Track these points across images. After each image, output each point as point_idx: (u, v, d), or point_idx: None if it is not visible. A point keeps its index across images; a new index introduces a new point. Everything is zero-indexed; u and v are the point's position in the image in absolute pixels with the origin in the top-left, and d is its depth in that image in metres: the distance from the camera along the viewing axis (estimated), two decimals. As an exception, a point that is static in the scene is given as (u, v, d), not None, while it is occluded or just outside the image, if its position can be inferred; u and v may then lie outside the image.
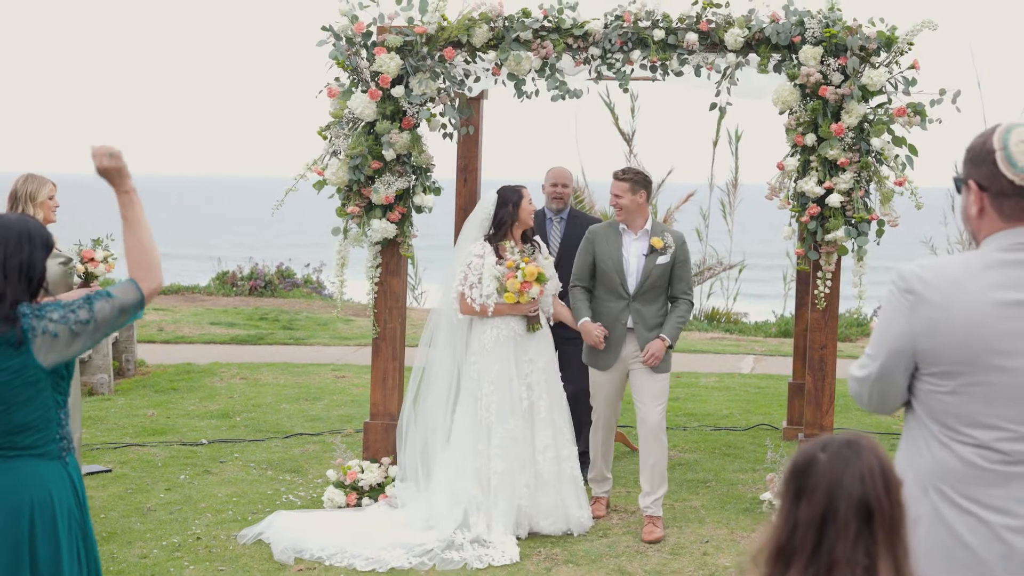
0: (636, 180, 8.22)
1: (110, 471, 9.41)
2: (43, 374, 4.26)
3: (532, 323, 8.26)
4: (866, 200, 8.30)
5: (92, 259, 8.66)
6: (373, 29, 8.66)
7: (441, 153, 8.96)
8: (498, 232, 8.29)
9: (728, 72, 8.51)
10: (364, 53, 8.64)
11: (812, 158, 8.33)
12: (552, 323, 8.62)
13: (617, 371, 8.38)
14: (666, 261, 8.25)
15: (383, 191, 8.59)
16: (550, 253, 8.98)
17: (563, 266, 9.03)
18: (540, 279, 8.18)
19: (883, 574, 2.68)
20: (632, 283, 8.26)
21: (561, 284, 8.64)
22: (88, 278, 8.65)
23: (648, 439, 8.33)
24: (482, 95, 9.71)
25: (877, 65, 8.18)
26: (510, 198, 8.31)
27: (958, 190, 3.64)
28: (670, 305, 8.36)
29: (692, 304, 8.41)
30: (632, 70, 8.61)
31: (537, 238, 8.54)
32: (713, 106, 8.71)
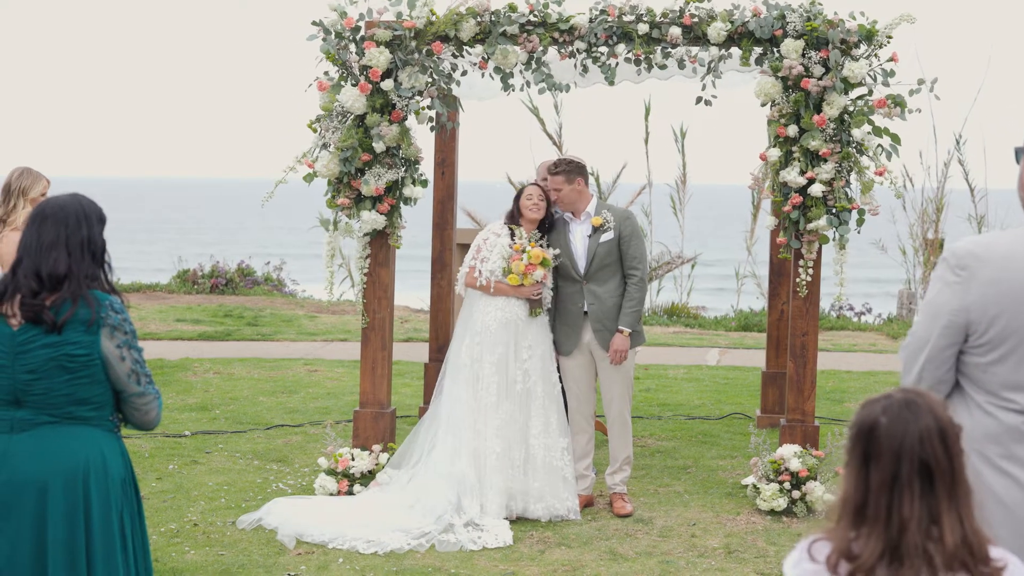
0: (569, 170, 8.52)
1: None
2: (103, 360, 4.45)
3: (534, 307, 8.46)
4: (847, 190, 8.53)
5: None
6: (362, 24, 8.78)
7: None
8: (513, 220, 8.58)
9: (712, 65, 8.71)
10: (353, 47, 8.76)
11: (794, 149, 8.52)
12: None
13: (581, 356, 8.59)
14: (610, 238, 8.48)
15: (373, 183, 8.71)
16: None
17: None
18: (545, 263, 8.38)
19: (947, 528, 2.85)
20: (582, 265, 8.50)
21: None
22: None
23: (614, 423, 8.63)
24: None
25: (858, 57, 8.40)
26: (516, 194, 8.70)
27: (1017, 160, 3.82)
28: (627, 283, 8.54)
29: (644, 280, 8.52)
30: (617, 63, 8.79)
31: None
32: (699, 99, 8.91)
